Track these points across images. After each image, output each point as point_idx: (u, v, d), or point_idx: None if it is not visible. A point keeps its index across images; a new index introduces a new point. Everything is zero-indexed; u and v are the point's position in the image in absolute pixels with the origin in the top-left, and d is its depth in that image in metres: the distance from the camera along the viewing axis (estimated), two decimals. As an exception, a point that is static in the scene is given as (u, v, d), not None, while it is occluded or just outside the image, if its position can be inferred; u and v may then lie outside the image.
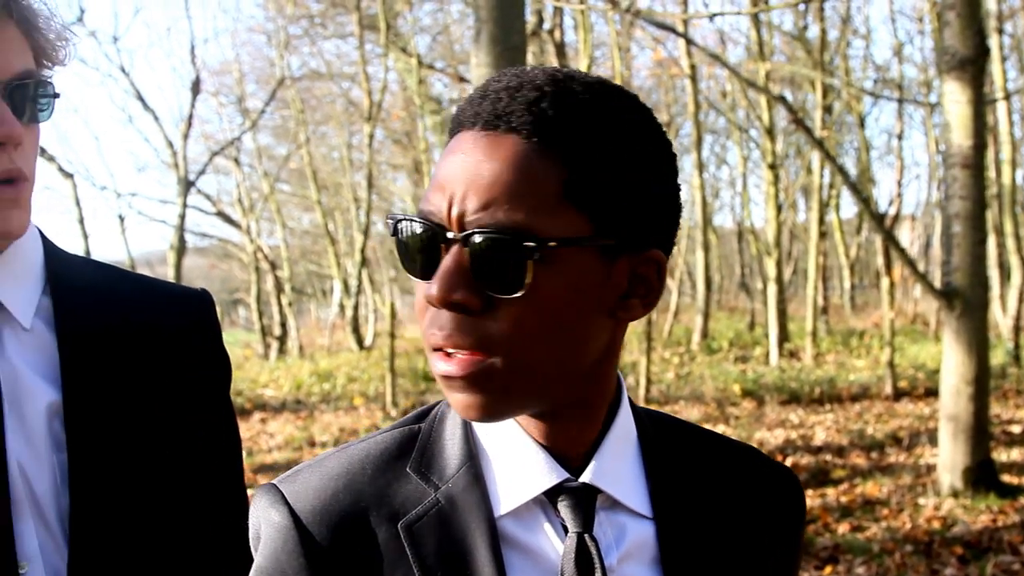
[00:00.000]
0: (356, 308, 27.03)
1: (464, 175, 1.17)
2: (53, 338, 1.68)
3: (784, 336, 18.88)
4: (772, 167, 19.01)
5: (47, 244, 1.77)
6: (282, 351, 27.53)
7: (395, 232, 1.22)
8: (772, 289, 19.01)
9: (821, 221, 20.86)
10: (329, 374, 19.27)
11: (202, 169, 21.85)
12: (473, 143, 1.18)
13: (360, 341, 26.32)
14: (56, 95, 1.64)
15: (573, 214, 1.16)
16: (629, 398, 1.37)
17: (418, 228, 1.20)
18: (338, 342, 29.68)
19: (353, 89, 28.85)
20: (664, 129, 1.26)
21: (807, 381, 14.73)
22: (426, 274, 1.19)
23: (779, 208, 19.73)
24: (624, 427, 1.31)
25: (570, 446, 1.27)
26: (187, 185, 20.49)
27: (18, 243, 1.68)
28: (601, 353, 1.25)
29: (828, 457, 10.27)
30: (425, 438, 1.33)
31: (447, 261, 1.16)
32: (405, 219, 1.21)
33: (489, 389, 1.18)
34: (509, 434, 1.28)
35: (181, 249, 19.66)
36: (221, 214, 28.38)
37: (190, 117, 21.21)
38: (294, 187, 34.29)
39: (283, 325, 28.48)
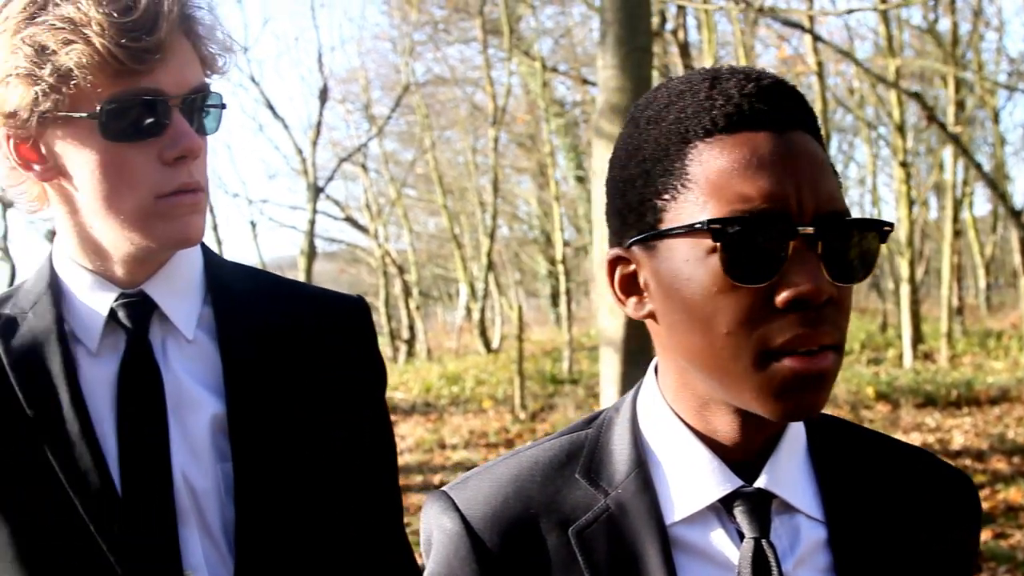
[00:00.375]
0: (483, 311, 27.18)
1: (795, 172, 1.16)
2: (215, 348, 1.71)
3: (918, 337, 18.45)
4: (903, 165, 18.59)
5: (207, 253, 1.81)
6: (410, 354, 27.82)
7: (722, 236, 1.15)
8: (905, 289, 18.59)
9: (955, 219, 20.36)
10: (457, 377, 19.38)
11: (330, 175, 22.27)
12: (783, 142, 1.19)
13: (487, 344, 26.43)
14: (223, 106, 1.68)
15: None
16: None
17: (759, 227, 1.15)
18: (465, 345, 29.86)
19: (477, 93, 29.08)
20: None
21: (943, 383, 14.36)
22: (765, 274, 1.15)
23: (911, 206, 19.30)
24: (795, 429, 1.30)
25: (743, 450, 1.25)
26: (316, 191, 20.85)
27: (180, 253, 1.72)
28: None
29: (967, 462, 10.01)
30: (593, 444, 1.33)
31: (808, 256, 1.15)
32: (744, 219, 1.15)
33: (831, 383, 1.18)
34: (680, 440, 1.27)
35: (311, 254, 20.01)
36: (349, 219, 28.79)
37: (318, 124, 21.59)
38: (420, 192, 34.63)
39: (411, 328, 28.78)
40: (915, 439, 11.22)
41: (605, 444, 1.32)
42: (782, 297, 1.13)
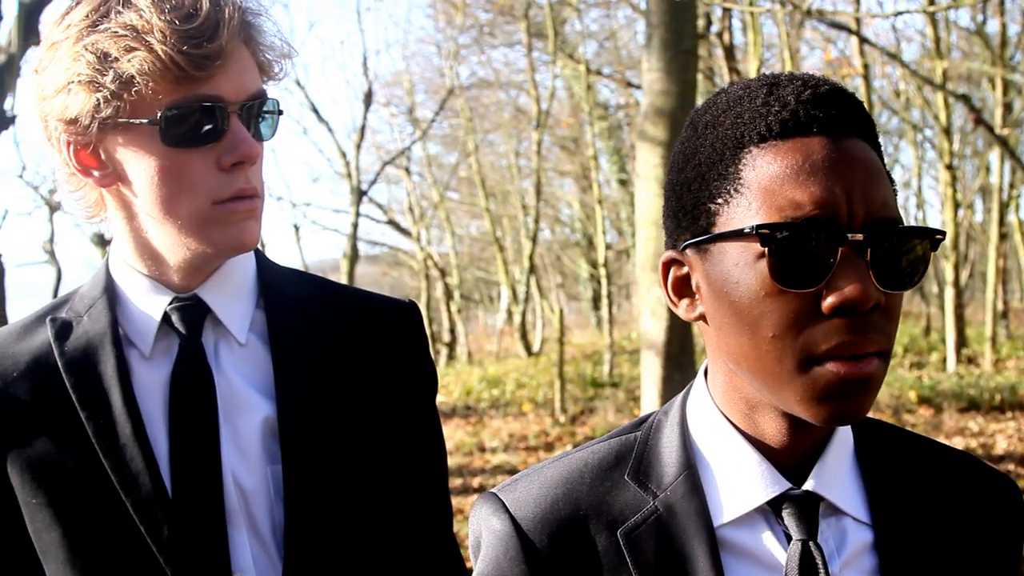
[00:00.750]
0: (524, 314, 27.15)
1: (847, 178, 1.18)
2: (267, 352, 1.73)
3: (962, 341, 18.26)
4: (949, 167, 18.42)
5: (259, 258, 1.82)
6: (451, 357, 27.83)
7: (770, 241, 1.17)
8: (949, 293, 18.40)
9: (1001, 222, 20.14)
10: (498, 380, 19.37)
11: (374, 179, 22.37)
12: (837, 149, 1.20)
13: (528, 347, 26.39)
14: (280, 112, 1.70)
15: None
16: None
17: (808, 233, 1.17)
18: (506, 348, 29.82)
19: (521, 97, 29.09)
20: None
21: (987, 388, 14.22)
22: (813, 279, 1.16)
23: (956, 209, 19.13)
24: (843, 432, 1.31)
25: (791, 452, 1.27)
26: (359, 194, 20.96)
27: (234, 258, 1.74)
28: None
29: (1011, 467, 9.91)
30: (642, 446, 1.35)
31: (857, 263, 1.16)
32: (793, 225, 1.17)
33: (877, 389, 1.19)
34: (729, 442, 1.29)
35: (354, 257, 20.12)
36: (392, 222, 28.85)
37: (362, 128, 21.72)
38: (463, 195, 34.62)
39: (452, 331, 28.80)
40: (958, 444, 11.12)
41: (654, 446, 1.34)
42: (828, 303, 1.15)
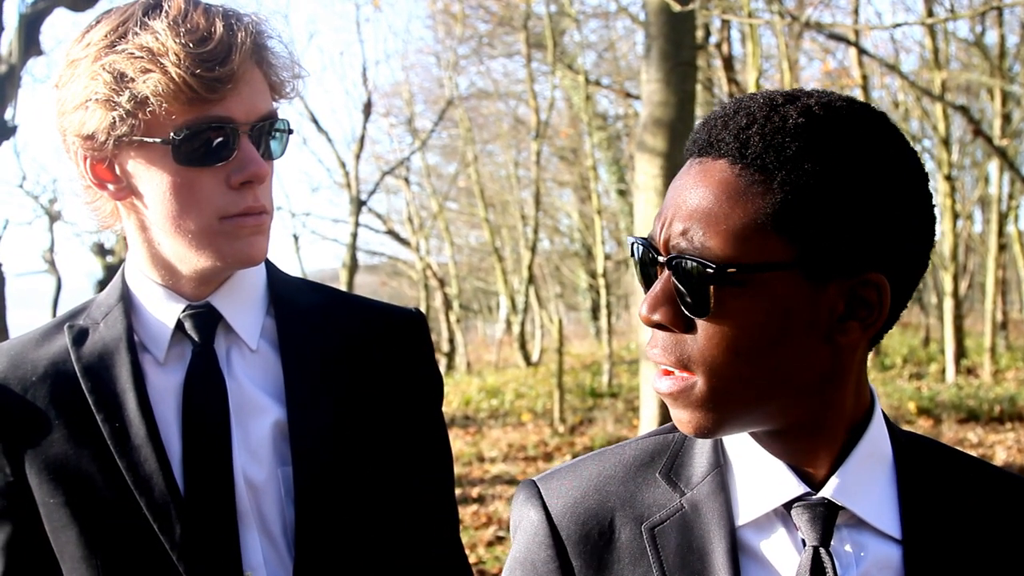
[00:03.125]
0: (523, 324, 27.16)
1: (674, 201, 1.24)
2: (277, 358, 1.78)
3: (961, 352, 18.27)
4: (948, 178, 18.44)
5: (270, 267, 1.88)
6: (450, 367, 27.81)
7: (632, 252, 1.30)
8: (948, 304, 18.41)
9: (1000, 233, 20.16)
10: (497, 390, 19.36)
11: (373, 189, 22.38)
12: (687, 170, 1.26)
13: (527, 357, 26.40)
14: (290, 131, 1.75)
15: (774, 239, 1.18)
16: (892, 422, 1.36)
17: (639, 250, 1.28)
18: (505, 358, 29.82)
19: (520, 107, 29.12)
20: (906, 143, 1.24)
21: (986, 399, 14.22)
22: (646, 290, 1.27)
23: (955, 220, 19.15)
24: (874, 448, 1.31)
25: (811, 463, 1.28)
26: (359, 204, 20.97)
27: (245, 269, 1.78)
28: (822, 376, 1.24)
29: (1010, 477, 9.91)
30: (678, 446, 1.39)
31: (656, 283, 1.24)
32: (634, 241, 1.28)
33: (694, 405, 1.23)
34: (755, 447, 1.31)
35: (353, 267, 20.12)
36: (391, 232, 28.86)
37: (362, 138, 21.73)
38: (462, 205, 34.66)
39: (451, 341, 28.78)
40: (958, 455, 11.11)
41: (689, 447, 1.38)
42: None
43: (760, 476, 1.30)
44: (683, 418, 1.25)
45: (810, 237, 1.18)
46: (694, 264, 1.19)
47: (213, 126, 1.61)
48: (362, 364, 1.82)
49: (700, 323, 1.21)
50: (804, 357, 1.22)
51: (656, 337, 1.26)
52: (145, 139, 1.61)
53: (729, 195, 1.19)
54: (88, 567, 1.67)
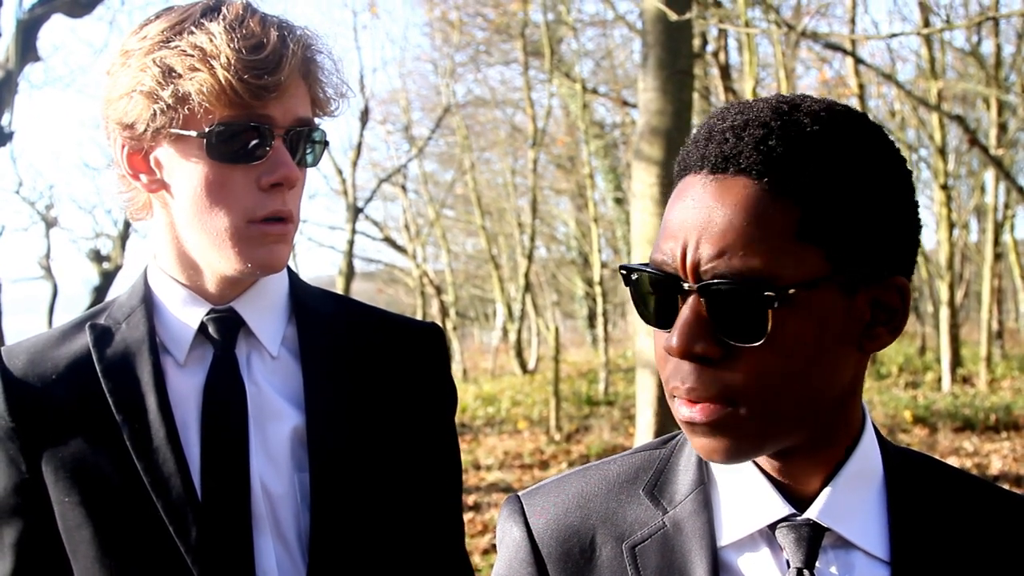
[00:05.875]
0: (519, 332, 27.14)
1: (696, 222, 1.16)
2: (298, 365, 1.80)
3: (957, 361, 18.28)
4: (944, 187, 18.47)
5: (292, 277, 1.90)
6: (447, 374, 27.75)
7: (628, 282, 1.23)
8: (944, 313, 18.43)
9: (996, 242, 20.18)
10: (493, 398, 19.35)
11: (370, 196, 22.43)
12: (702, 188, 1.17)
13: (523, 365, 26.39)
14: (326, 143, 1.77)
15: (811, 253, 1.13)
16: (883, 437, 1.33)
17: (653, 279, 1.19)
18: (501, 366, 29.82)
19: (517, 115, 29.12)
20: (895, 146, 1.22)
21: (982, 408, 14.24)
22: (663, 323, 1.19)
23: (951, 229, 19.17)
24: (864, 465, 1.28)
25: (803, 480, 1.26)
26: (355, 212, 20.98)
27: (269, 276, 1.80)
28: (847, 386, 1.23)
29: (1005, 487, 9.90)
30: (663, 463, 1.36)
31: (685, 312, 1.16)
32: (639, 269, 1.21)
33: (735, 436, 1.17)
34: (741, 467, 1.28)
35: (349, 274, 20.13)
36: (388, 240, 28.85)
37: (359, 145, 21.76)
38: (459, 212, 34.65)
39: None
40: (952, 464, 11.11)
41: (674, 464, 1.36)
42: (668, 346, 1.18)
43: (745, 495, 1.27)
44: (719, 447, 1.18)
45: (841, 246, 1.14)
46: (746, 289, 1.12)
47: (250, 125, 1.63)
48: (381, 375, 1.84)
49: (744, 350, 1.15)
50: (840, 370, 1.20)
51: (685, 370, 1.17)
52: (182, 132, 1.63)
53: (760, 212, 1.13)
54: (102, 567, 1.67)
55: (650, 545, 1.29)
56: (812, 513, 1.24)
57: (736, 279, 1.12)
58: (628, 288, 1.23)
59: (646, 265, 1.21)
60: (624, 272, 1.23)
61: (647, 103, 7.70)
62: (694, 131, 1.24)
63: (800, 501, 1.26)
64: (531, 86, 23.59)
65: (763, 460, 1.27)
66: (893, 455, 1.33)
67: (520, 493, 1.40)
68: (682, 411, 1.19)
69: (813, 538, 1.23)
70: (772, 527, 1.25)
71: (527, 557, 1.33)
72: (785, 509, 1.24)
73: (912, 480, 1.31)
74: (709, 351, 1.15)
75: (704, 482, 1.31)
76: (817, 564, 1.23)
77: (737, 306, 1.13)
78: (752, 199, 1.14)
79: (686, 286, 1.15)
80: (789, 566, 1.23)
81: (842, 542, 1.25)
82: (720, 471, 1.31)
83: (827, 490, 1.25)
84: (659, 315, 1.20)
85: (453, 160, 31.70)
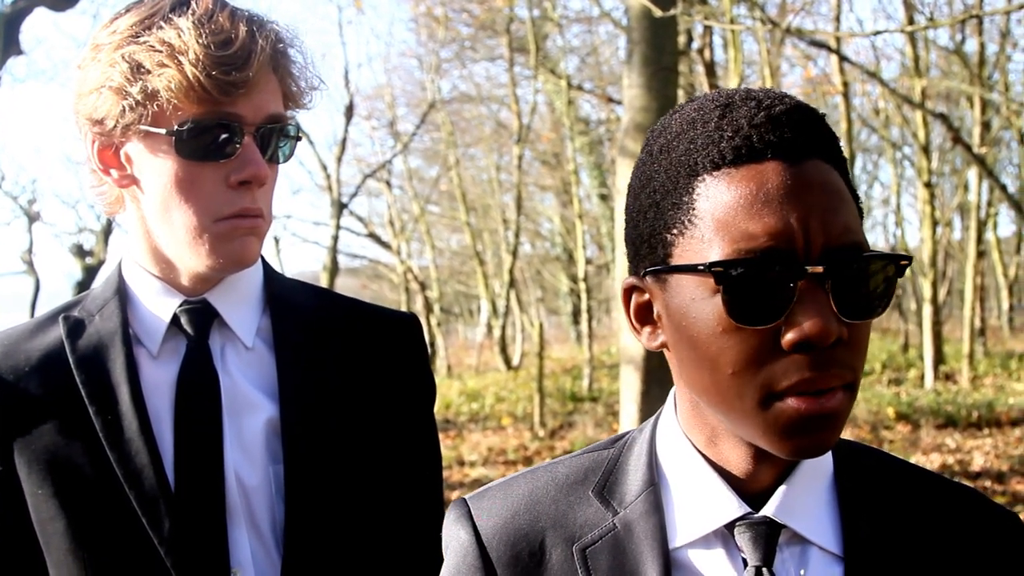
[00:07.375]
0: (504, 328, 27.17)
1: (804, 206, 1.12)
2: (272, 356, 1.79)
3: (939, 358, 18.36)
4: (928, 185, 18.54)
5: (267, 268, 1.89)
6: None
7: (723, 279, 1.13)
8: (927, 310, 18.51)
9: (979, 240, 20.28)
10: (477, 394, 19.38)
11: (354, 191, 22.41)
12: (792, 174, 1.14)
13: (508, 361, 26.42)
14: (298, 138, 1.76)
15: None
16: None
17: (764, 268, 1.12)
18: (485, 362, 29.85)
19: (502, 111, 29.13)
20: None
21: (964, 404, 14.31)
22: (770, 315, 1.12)
23: (935, 227, 19.24)
24: (816, 460, 1.26)
25: (755, 479, 1.24)
26: (340, 207, 20.96)
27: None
28: None
29: (987, 483, 9.97)
30: (612, 464, 1.34)
31: (816, 295, 1.11)
32: (747, 261, 1.12)
33: (844, 418, 1.14)
34: (692, 466, 1.27)
35: (334, 270, 20.11)
36: (372, 235, 28.85)
37: (343, 141, 21.74)
38: (443, 208, 34.63)
39: (432, 345, 28.73)
40: (935, 460, 11.19)
41: (623, 464, 1.33)
42: (788, 339, 1.11)
43: (699, 495, 1.25)
44: (832, 438, 1.15)
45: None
46: (883, 260, 1.14)
47: (219, 123, 1.62)
48: (356, 365, 1.83)
49: (859, 327, 1.14)
50: None
51: (812, 359, 1.11)
52: (151, 129, 1.63)
53: (845, 191, 1.17)
54: (75, 559, 1.66)
55: (601, 547, 1.26)
56: (768, 510, 1.22)
57: (870, 253, 1.13)
58: (720, 287, 1.13)
59: (754, 255, 1.12)
60: (720, 270, 1.12)
61: (632, 100, 7.71)
62: (700, 127, 1.20)
63: (753, 498, 1.24)
64: (516, 82, 23.61)
65: (715, 457, 1.26)
66: (840, 447, 1.32)
67: (467, 496, 1.37)
68: (803, 407, 1.12)
69: (770, 535, 1.21)
70: (729, 526, 1.23)
71: (475, 562, 1.30)
72: (741, 508, 1.23)
73: (859, 473, 1.31)
74: (843, 332, 1.11)
75: (655, 483, 1.29)
76: (774, 561, 1.22)
77: (868, 280, 1.13)
78: (837, 180, 1.16)
79: (813, 269, 1.10)
80: (746, 564, 1.21)
81: (797, 538, 1.24)
82: (672, 471, 1.29)
83: (783, 487, 1.23)
84: (770, 307, 1.12)
85: (438, 156, 31.71)
